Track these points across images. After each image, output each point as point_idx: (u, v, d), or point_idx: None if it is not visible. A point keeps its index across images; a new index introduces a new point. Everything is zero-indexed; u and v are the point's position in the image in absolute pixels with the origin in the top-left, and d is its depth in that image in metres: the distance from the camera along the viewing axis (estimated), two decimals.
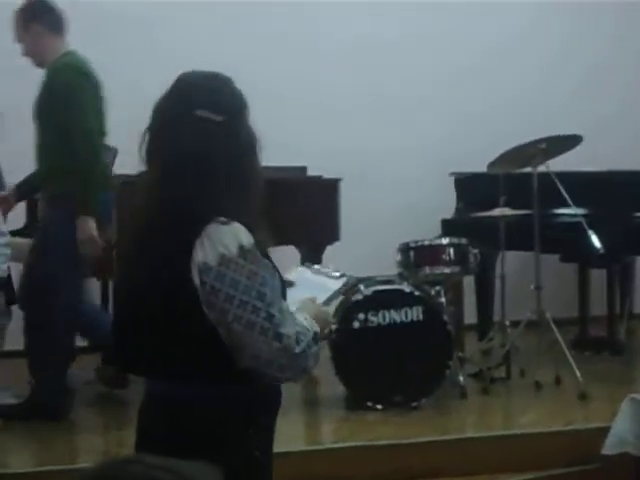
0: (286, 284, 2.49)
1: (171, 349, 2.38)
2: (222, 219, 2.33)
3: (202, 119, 2.39)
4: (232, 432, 2.41)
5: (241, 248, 2.31)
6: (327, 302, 2.56)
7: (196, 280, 2.32)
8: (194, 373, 2.39)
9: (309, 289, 2.58)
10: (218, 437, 2.40)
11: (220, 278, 2.30)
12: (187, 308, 2.34)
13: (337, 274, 2.70)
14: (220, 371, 2.38)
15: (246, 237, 2.33)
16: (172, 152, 2.40)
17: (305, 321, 2.39)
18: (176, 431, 2.40)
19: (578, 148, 6.05)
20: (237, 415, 2.41)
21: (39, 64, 5.35)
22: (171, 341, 2.38)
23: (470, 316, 6.88)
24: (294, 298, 2.47)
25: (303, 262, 5.59)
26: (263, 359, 2.31)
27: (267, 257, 2.40)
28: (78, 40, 5.36)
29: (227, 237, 2.31)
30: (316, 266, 2.84)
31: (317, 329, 2.39)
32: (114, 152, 5.78)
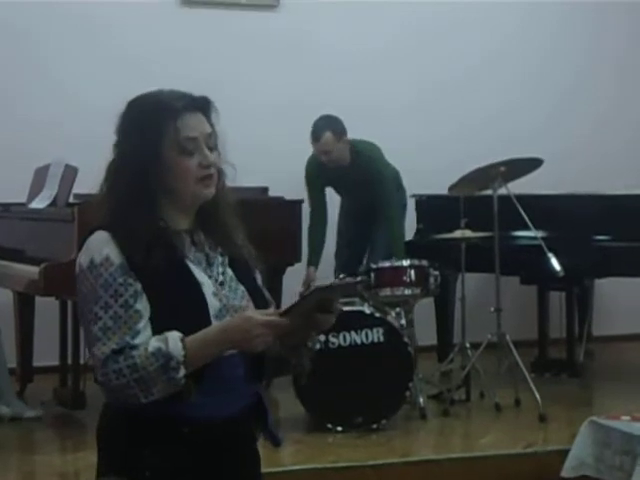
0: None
1: None
2: (99, 231, 2.40)
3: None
4: (123, 444, 2.39)
5: (91, 261, 2.36)
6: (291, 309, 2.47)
7: None
8: None
9: None
10: (111, 446, 2.42)
11: (78, 285, 2.40)
12: None
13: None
14: None
15: (99, 251, 2.36)
16: None
17: (160, 345, 2.28)
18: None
19: (539, 171, 6.09)
20: (133, 427, 2.37)
21: None
22: None
23: (430, 337, 6.87)
24: None
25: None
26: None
27: (147, 269, 2.34)
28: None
29: (87, 248, 2.39)
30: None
31: (178, 355, 2.26)
32: (74, 171, 5.74)
